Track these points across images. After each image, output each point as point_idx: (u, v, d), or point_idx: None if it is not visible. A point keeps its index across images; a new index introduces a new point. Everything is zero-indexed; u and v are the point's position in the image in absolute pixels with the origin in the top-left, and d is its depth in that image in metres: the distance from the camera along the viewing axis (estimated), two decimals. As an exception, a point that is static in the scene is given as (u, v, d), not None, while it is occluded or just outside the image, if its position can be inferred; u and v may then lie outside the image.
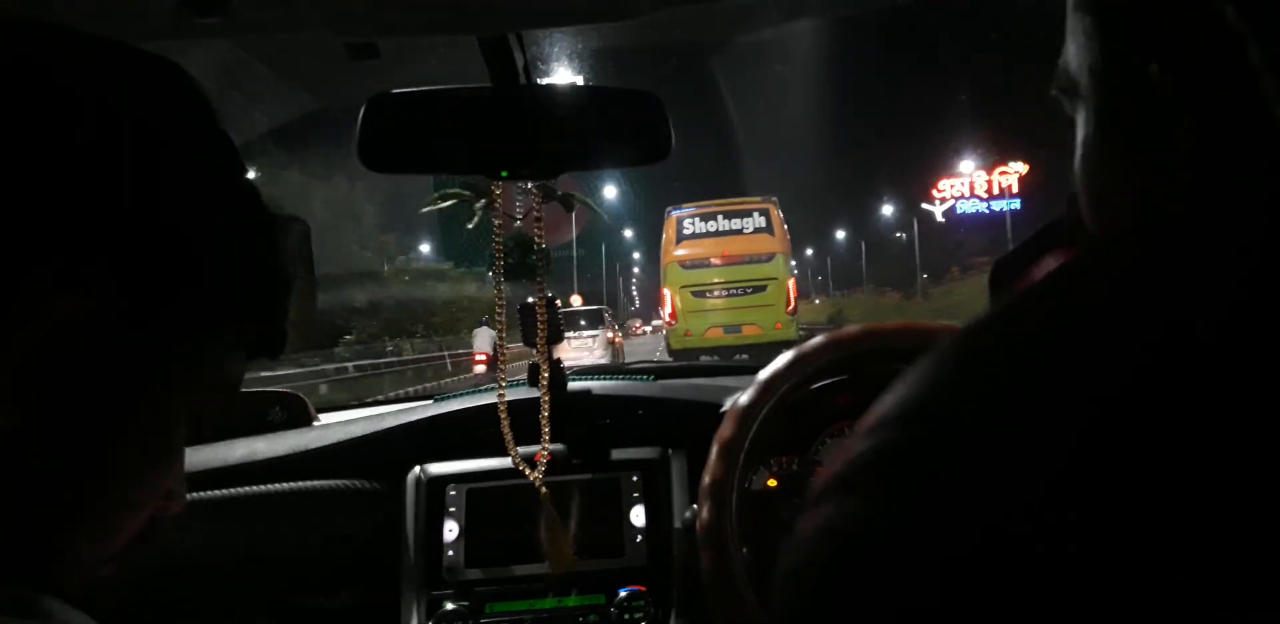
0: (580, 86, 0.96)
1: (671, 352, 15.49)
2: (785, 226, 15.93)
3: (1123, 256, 0.29)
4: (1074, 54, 0.39)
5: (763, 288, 15.28)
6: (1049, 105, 0.41)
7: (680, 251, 15.83)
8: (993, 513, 0.23)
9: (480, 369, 16.07)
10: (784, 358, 1.05)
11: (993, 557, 0.23)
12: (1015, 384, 0.26)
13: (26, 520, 0.39)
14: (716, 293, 15.42)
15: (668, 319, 15.74)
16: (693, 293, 15.47)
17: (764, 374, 1.04)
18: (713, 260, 15.56)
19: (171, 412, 0.44)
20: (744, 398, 1.04)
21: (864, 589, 0.25)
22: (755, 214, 15.88)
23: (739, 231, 15.73)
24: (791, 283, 15.54)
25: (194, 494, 0.44)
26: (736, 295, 15.27)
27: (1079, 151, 0.40)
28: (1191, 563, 0.21)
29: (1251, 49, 0.30)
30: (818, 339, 1.04)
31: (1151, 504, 0.22)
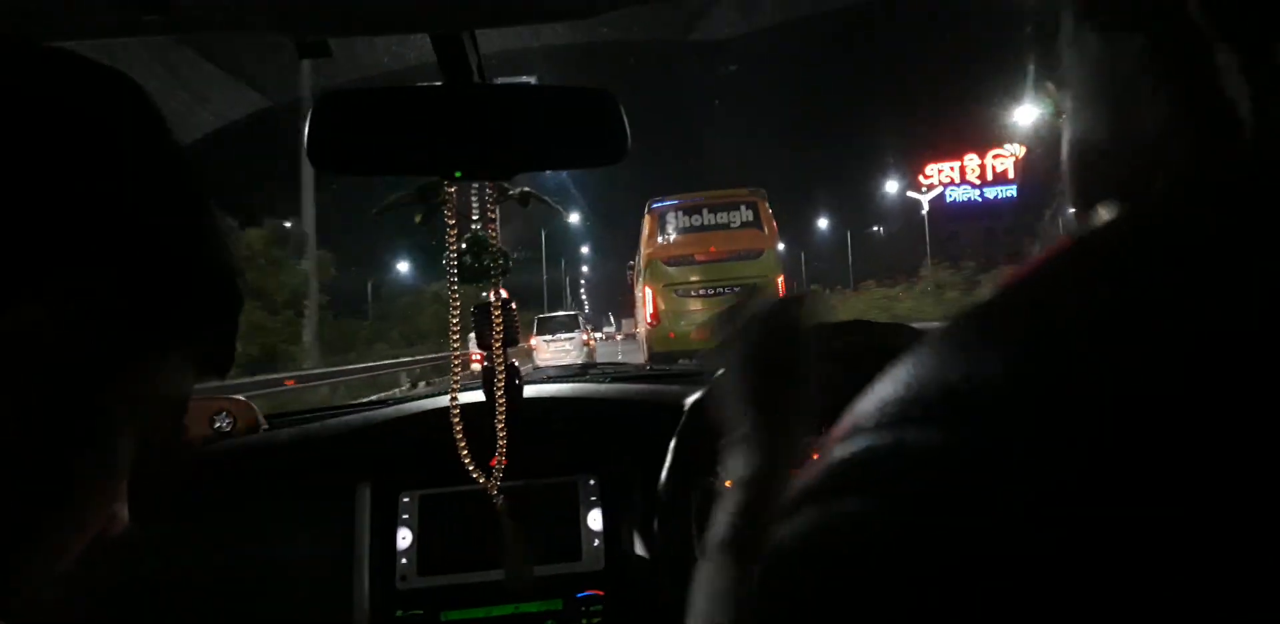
0: (535, 85, 0.95)
1: (652, 354, 14.35)
2: (774, 221, 14.93)
3: (1115, 249, 0.28)
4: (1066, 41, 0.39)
5: (751, 286, 14.39)
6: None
7: (662, 248, 14.88)
8: (997, 512, 0.23)
9: (477, 368, 16.03)
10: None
11: (1004, 560, 0.22)
12: (1004, 380, 0.25)
13: None
14: (701, 291, 14.36)
15: (648, 320, 14.70)
16: (676, 292, 14.49)
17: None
18: (697, 257, 14.51)
19: (120, 429, 0.43)
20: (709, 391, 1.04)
21: (858, 595, 0.24)
22: (743, 207, 14.81)
23: (725, 226, 14.72)
24: (782, 281, 14.45)
25: (134, 503, 0.43)
26: (723, 294, 14.11)
27: (1067, 141, 0.40)
28: (1203, 568, 0.21)
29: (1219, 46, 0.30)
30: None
31: (1168, 503, 0.21)
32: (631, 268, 21.07)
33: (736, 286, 14.02)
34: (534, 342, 22.47)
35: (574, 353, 20.93)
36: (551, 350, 21.88)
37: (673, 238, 14.84)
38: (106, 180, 0.40)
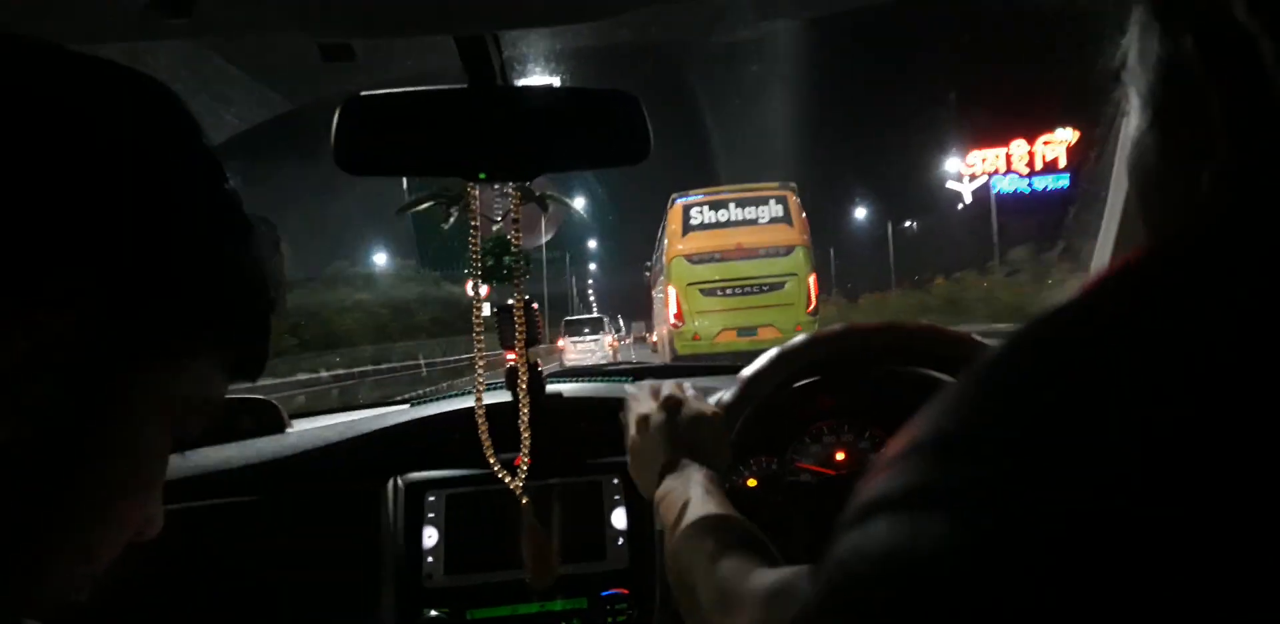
0: (557, 87, 0.95)
1: (676, 358, 13.64)
2: (805, 216, 14.22)
3: (1168, 273, 0.27)
4: (1132, 41, 0.39)
5: (780, 285, 13.71)
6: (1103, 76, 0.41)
7: (687, 244, 14.17)
8: (1076, 527, 0.22)
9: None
10: (766, 357, 1.05)
11: (1087, 570, 0.22)
12: (1062, 404, 0.24)
13: (7, 540, 0.38)
14: (728, 291, 13.77)
15: (672, 320, 13.96)
16: (701, 291, 13.82)
17: (747, 372, 1.03)
18: (724, 254, 13.85)
19: (154, 432, 0.43)
20: (727, 397, 1.04)
21: (935, 610, 0.24)
22: (772, 201, 14.15)
23: (753, 221, 14.05)
24: (813, 279, 13.78)
25: (165, 505, 0.44)
26: (751, 293, 13.66)
27: (1131, 143, 0.39)
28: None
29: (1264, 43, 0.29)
30: (800, 338, 1.04)
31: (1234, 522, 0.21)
32: (649, 268, 20.53)
33: (765, 285, 13.71)
34: (561, 342, 23.27)
35: (599, 354, 22.11)
36: (578, 350, 23.20)
37: (698, 234, 14.17)
38: (139, 185, 0.40)
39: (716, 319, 13.60)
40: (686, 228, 14.28)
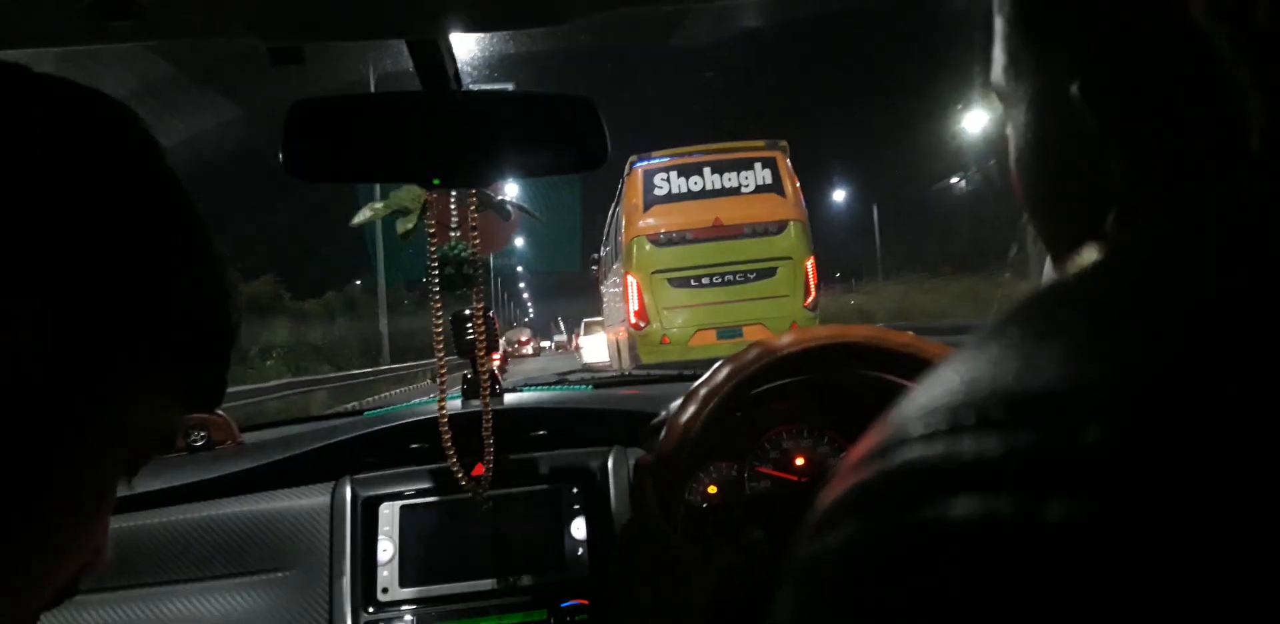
0: (513, 92, 0.94)
1: (640, 367, 10.22)
2: (798, 184, 11.00)
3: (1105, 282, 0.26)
4: (998, 57, 0.39)
5: (770, 272, 10.64)
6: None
7: (650, 221, 10.89)
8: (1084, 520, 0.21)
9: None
10: (720, 368, 1.05)
11: (1095, 573, 0.21)
12: (1071, 379, 0.23)
13: None
14: (704, 280, 10.68)
15: (632, 319, 10.83)
16: (670, 281, 10.69)
17: (700, 386, 1.03)
18: (698, 233, 10.72)
19: (104, 462, 0.41)
20: (678, 409, 1.03)
21: (911, 616, 0.23)
22: (758, 165, 10.86)
23: (735, 191, 10.85)
24: (811, 264, 10.69)
25: (112, 524, 0.42)
26: (734, 283, 10.66)
27: (1011, 153, 0.39)
28: None
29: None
30: (751, 349, 1.04)
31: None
32: (598, 259, 16.58)
33: (752, 273, 10.69)
34: (577, 341, 22.02)
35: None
36: (593, 348, 21.49)
37: (664, 208, 10.95)
38: (91, 207, 0.39)
39: (690, 317, 10.62)
40: (649, 200, 10.95)
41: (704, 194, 10.87)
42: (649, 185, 10.93)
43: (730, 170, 10.90)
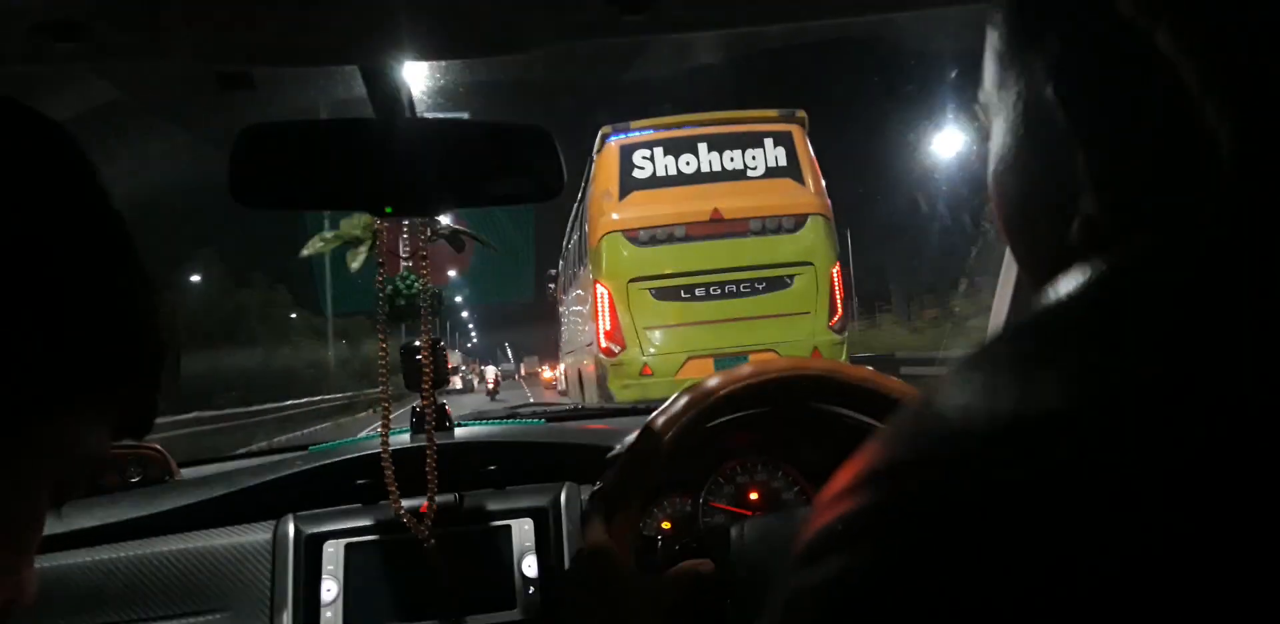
0: (467, 120, 0.94)
1: (611, 401, 7.51)
2: (818, 168, 8.38)
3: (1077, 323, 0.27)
4: (988, 70, 0.39)
5: (785, 281, 8.07)
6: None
7: (628, 213, 8.13)
8: (1020, 560, 0.21)
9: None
10: (677, 399, 1.04)
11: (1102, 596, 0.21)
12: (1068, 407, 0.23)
13: None
14: (699, 291, 8.02)
15: (603, 342, 8.12)
16: (653, 291, 8.01)
17: (657, 416, 1.02)
18: (691, 229, 8.05)
19: (28, 493, 0.39)
20: (634, 442, 1.02)
21: None
22: (769, 142, 8.24)
23: (740, 174, 8.23)
24: (836, 271, 8.19)
25: (40, 563, 0.40)
26: (737, 296, 8.05)
27: (993, 169, 0.40)
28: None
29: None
30: (711, 381, 1.03)
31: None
32: (555, 275, 13.60)
33: (761, 282, 8.11)
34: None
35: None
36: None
37: (647, 196, 8.19)
38: (14, 230, 0.37)
39: (679, 340, 7.97)
40: (627, 184, 8.16)
41: (698, 177, 8.25)
42: (626, 165, 8.19)
43: (733, 147, 8.25)
